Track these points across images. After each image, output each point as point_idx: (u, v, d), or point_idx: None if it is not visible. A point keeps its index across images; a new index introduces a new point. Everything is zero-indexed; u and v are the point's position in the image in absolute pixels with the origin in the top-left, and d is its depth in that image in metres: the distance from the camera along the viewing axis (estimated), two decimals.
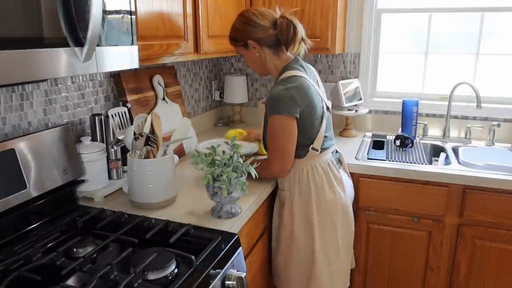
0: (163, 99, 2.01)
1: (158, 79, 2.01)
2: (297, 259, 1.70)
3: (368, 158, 2.15)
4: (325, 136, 1.71)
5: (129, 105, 1.75)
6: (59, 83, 1.59)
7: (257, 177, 1.48)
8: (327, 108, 1.71)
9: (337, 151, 1.87)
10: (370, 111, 2.70)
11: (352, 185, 1.91)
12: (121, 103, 1.78)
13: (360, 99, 2.57)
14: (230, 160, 1.40)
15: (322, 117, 1.64)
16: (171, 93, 2.09)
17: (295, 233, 1.68)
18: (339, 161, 1.88)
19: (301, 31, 1.65)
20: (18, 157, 1.32)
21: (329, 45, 2.30)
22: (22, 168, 1.33)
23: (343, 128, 2.62)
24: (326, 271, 1.70)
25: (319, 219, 1.66)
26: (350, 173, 2.01)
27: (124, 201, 1.57)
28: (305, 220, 1.67)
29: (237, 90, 2.68)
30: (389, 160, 2.11)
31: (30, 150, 1.35)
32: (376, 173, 2.05)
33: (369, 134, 2.62)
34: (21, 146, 1.33)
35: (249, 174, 1.58)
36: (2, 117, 1.40)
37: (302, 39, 1.65)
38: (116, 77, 1.81)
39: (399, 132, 2.39)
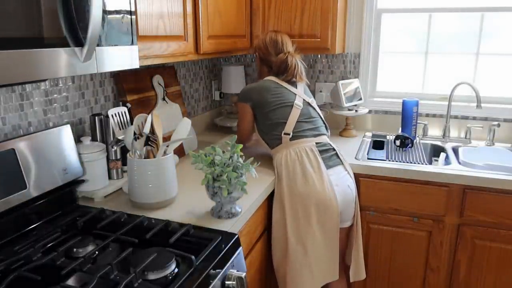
0: (163, 99, 2.01)
1: (158, 79, 2.01)
2: (276, 240, 1.78)
3: (368, 158, 2.15)
4: (301, 123, 1.89)
5: (129, 105, 1.75)
6: (59, 83, 1.59)
7: (257, 176, 1.53)
8: (308, 103, 1.95)
9: (333, 149, 1.90)
10: (370, 111, 2.70)
11: (352, 185, 1.91)
12: (121, 103, 1.78)
13: (360, 99, 2.58)
14: (230, 160, 1.40)
15: (292, 106, 1.88)
16: (171, 93, 2.09)
17: (274, 214, 1.78)
18: (337, 156, 1.89)
19: (294, 70, 1.97)
20: (18, 157, 1.32)
21: (329, 45, 2.31)
22: (22, 168, 1.33)
23: (343, 128, 2.62)
24: (302, 258, 1.73)
25: (291, 205, 1.74)
26: None
27: (124, 201, 1.57)
28: (279, 201, 1.76)
29: (234, 80, 2.66)
30: (389, 160, 2.12)
31: (30, 150, 1.35)
32: (376, 173, 2.05)
33: (369, 134, 2.62)
34: (21, 146, 1.33)
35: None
36: (2, 117, 1.40)
37: (295, 76, 1.98)
38: (116, 77, 1.81)
39: (399, 132, 2.39)
